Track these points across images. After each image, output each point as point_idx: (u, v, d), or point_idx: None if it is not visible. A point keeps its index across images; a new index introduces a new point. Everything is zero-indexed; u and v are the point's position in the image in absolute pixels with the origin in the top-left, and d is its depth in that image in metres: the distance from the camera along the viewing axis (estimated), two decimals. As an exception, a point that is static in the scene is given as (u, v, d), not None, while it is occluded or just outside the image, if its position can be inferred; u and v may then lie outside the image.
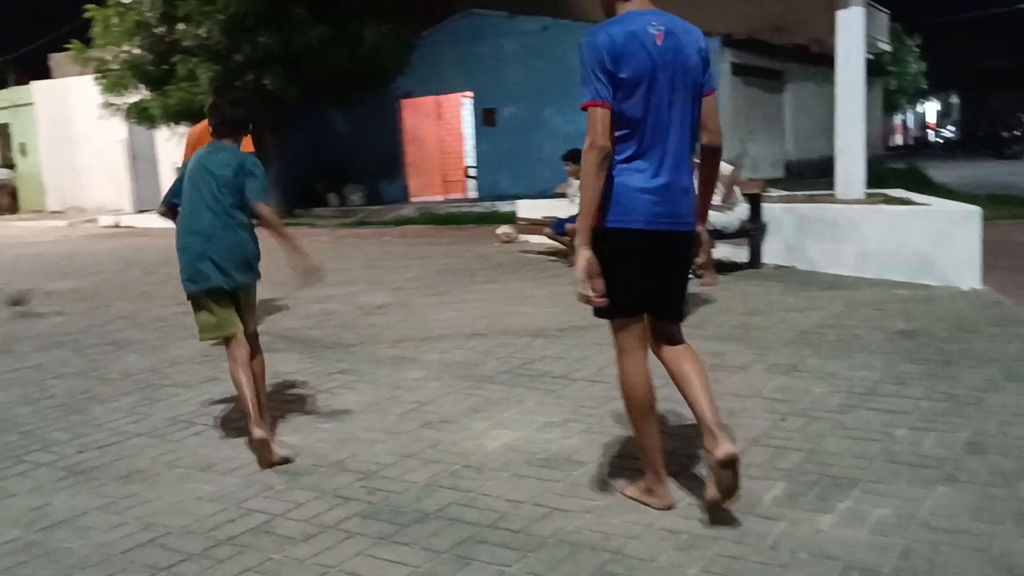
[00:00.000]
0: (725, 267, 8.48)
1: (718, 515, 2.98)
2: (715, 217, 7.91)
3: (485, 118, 20.36)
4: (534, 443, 3.89)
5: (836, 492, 3.20)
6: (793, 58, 20.51)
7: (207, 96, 16.36)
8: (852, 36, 8.94)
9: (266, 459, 3.75)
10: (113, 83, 17.72)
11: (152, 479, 3.70)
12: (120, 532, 3.17)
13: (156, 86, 17.28)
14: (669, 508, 3.09)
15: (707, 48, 3.03)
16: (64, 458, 4.01)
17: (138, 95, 17.87)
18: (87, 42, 17.86)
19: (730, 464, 2.86)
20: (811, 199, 9.53)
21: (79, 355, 6.17)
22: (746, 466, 3.46)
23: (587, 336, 5.76)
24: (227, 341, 4.03)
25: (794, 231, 8.68)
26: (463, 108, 22.23)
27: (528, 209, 12.35)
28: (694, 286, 6.93)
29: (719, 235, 8.21)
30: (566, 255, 9.66)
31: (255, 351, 4.12)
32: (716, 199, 7.95)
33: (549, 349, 5.66)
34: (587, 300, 2.92)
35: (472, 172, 21.92)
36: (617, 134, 2.90)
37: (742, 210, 8.53)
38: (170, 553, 2.98)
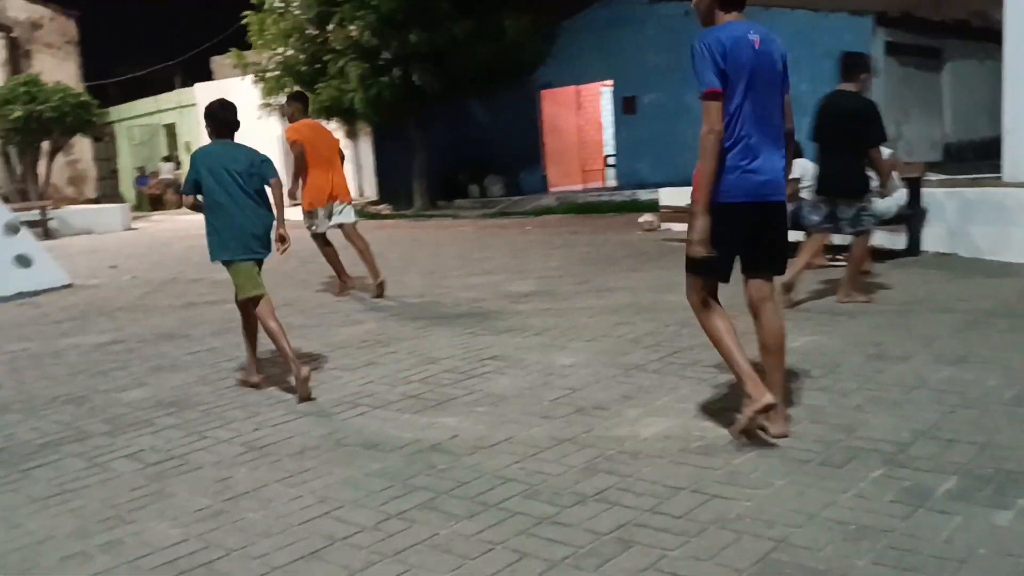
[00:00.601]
0: (882, 254, 8.15)
1: None
2: (873, 202, 7.60)
3: (625, 106, 20.24)
4: (690, 430, 3.88)
5: (1015, 488, 3.05)
6: (953, 34, 19.35)
7: (356, 92, 17.02)
8: (1022, 6, 8.39)
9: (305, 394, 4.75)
10: (272, 87, 18.73)
11: (323, 455, 3.92)
12: (298, 504, 3.38)
13: (308, 85, 18.08)
14: (768, 408, 3.49)
15: (786, 55, 3.64)
16: (242, 434, 4.30)
17: (292, 94, 18.79)
18: (245, 44, 18.92)
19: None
20: (975, 182, 9.04)
21: (248, 339, 6.55)
22: (914, 458, 3.37)
23: (737, 325, 5.65)
24: (258, 300, 4.99)
25: (957, 216, 8.25)
26: (602, 97, 22.16)
27: (671, 197, 12.21)
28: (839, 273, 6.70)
29: (876, 221, 7.88)
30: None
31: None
32: (873, 183, 7.64)
33: (699, 337, 5.54)
34: (700, 258, 3.54)
35: (611, 161, 21.83)
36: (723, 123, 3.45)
37: (900, 195, 8.17)
38: (345, 525, 3.16)
